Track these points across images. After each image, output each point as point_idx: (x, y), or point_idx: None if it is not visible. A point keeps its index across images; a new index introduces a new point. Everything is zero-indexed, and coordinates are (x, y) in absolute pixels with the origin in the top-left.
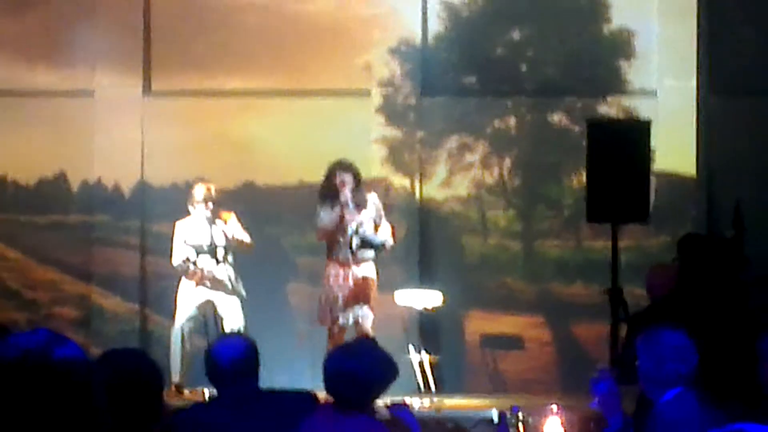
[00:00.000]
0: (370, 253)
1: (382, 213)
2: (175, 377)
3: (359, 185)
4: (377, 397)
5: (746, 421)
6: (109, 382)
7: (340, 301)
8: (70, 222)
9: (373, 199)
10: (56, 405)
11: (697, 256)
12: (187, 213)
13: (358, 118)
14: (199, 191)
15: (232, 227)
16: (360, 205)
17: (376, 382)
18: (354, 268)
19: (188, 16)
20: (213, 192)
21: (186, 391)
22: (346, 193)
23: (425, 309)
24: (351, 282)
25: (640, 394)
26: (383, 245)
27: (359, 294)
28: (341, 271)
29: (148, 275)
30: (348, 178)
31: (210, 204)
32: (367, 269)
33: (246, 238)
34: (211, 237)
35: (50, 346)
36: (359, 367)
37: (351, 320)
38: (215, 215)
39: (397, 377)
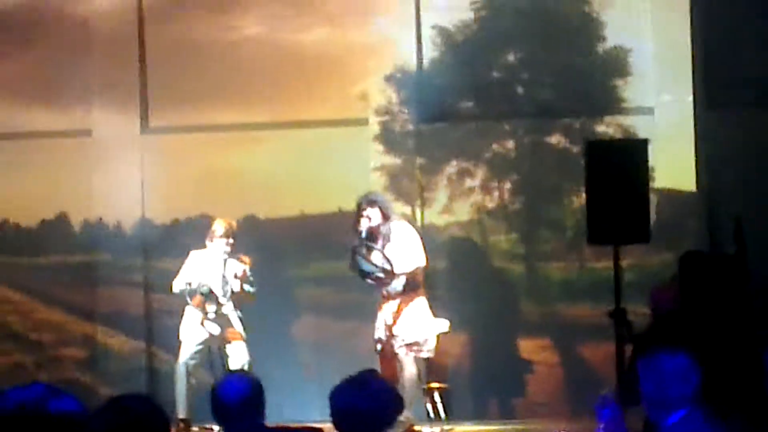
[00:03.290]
0: (396, 285)
1: (398, 242)
2: (182, 413)
3: (386, 219)
4: (384, 431)
5: None
6: (115, 429)
7: (377, 334)
8: (72, 262)
9: (396, 229)
10: None
11: (698, 273)
12: (192, 247)
13: (356, 147)
14: (219, 226)
15: (246, 272)
16: (378, 237)
17: (382, 416)
18: (390, 302)
19: (183, 51)
20: (234, 228)
21: (195, 428)
22: (360, 226)
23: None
24: (386, 316)
25: (647, 415)
26: (366, 272)
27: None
28: (380, 304)
29: (153, 312)
30: (367, 212)
31: (230, 240)
32: (403, 302)
33: (252, 289)
34: (224, 274)
35: (46, 399)
36: (365, 402)
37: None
38: (233, 254)
39: (402, 411)
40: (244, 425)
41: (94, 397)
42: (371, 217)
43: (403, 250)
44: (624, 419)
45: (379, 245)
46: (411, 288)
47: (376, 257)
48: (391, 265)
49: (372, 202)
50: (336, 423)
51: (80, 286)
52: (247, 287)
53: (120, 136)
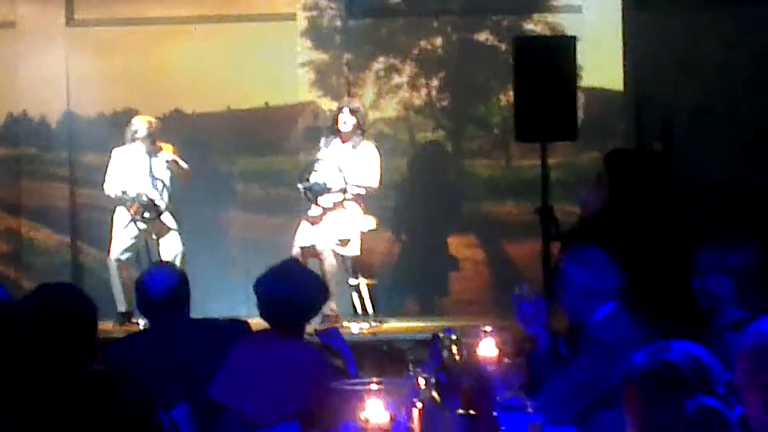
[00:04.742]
0: (337, 198)
1: (359, 160)
2: (121, 306)
3: (359, 131)
4: (310, 318)
5: (678, 337)
6: (40, 316)
7: (302, 231)
8: None
9: (362, 146)
10: None
11: (625, 171)
12: (117, 142)
13: (283, 43)
14: (140, 125)
15: (172, 157)
16: (344, 143)
17: (309, 303)
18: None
19: None
20: (154, 126)
21: (137, 320)
22: (337, 126)
23: (359, 232)
24: (314, 216)
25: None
26: (317, 188)
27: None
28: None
29: (78, 207)
30: (345, 116)
31: (151, 137)
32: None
33: (185, 165)
34: (151, 169)
35: None
36: (289, 289)
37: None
38: (155, 148)
39: (327, 299)
40: (169, 318)
41: (18, 291)
42: (347, 123)
43: (361, 170)
44: (546, 312)
45: (340, 151)
46: (350, 200)
47: (330, 173)
48: (345, 182)
49: (354, 111)
50: (263, 312)
51: (4, 180)
52: (182, 164)
53: (45, 29)
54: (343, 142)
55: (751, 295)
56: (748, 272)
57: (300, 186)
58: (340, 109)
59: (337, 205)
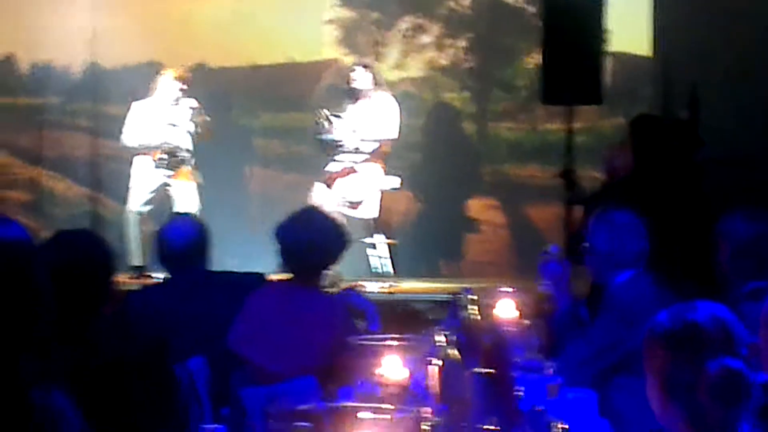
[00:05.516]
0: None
1: (376, 113)
2: (135, 260)
3: (375, 86)
4: (330, 264)
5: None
6: (59, 262)
7: (318, 189)
8: (19, 104)
9: (379, 99)
10: None
11: (650, 137)
12: (141, 94)
13: None
14: (169, 73)
15: (197, 105)
16: (360, 101)
17: (329, 249)
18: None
19: None
20: (183, 76)
21: (151, 274)
22: (350, 83)
23: (382, 192)
24: (332, 172)
25: (593, 278)
26: (332, 142)
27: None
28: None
29: (100, 158)
30: (359, 73)
31: (182, 85)
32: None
33: (207, 118)
34: (174, 119)
35: None
36: (312, 234)
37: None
38: (180, 100)
39: (349, 245)
40: (187, 270)
41: (37, 241)
42: (361, 80)
43: (378, 122)
44: (569, 274)
45: (356, 111)
46: (370, 157)
47: (345, 132)
48: (360, 142)
49: (366, 67)
50: (283, 258)
51: (27, 129)
52: (206, 118)
53: None
54: (359, 100)
55: (747, 266)
56: (745, 242)
57: (318, 137)
58: (352, 69)
59: (349, 169)
